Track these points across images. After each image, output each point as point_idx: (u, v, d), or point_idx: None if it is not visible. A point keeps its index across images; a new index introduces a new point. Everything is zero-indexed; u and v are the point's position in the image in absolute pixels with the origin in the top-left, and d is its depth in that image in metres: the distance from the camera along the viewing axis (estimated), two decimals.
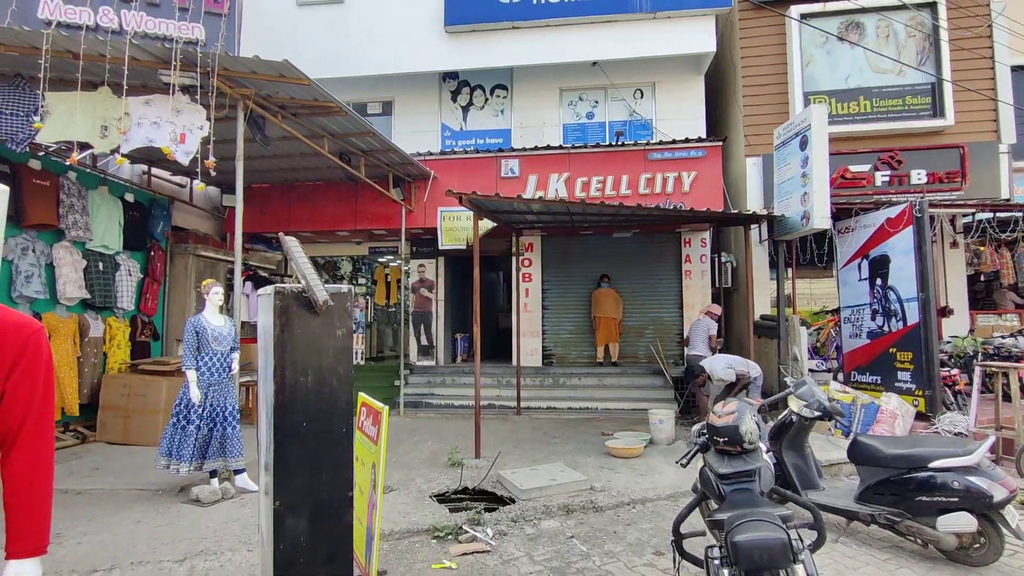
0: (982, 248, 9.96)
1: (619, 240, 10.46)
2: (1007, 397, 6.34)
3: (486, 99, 10.88)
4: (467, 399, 9.18)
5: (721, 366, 6.79)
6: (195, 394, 4.96)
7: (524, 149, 9.87)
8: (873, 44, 9.45)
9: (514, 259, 9.90)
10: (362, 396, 3.37)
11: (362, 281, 11.97)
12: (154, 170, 8.89)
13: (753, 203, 9.47)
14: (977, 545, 3.81)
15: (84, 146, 5.60)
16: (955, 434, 6.39)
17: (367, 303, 11.74)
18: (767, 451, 4.61)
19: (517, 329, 9.78)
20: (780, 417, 4.60)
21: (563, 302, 10.56)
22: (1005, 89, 9.31)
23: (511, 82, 10.81)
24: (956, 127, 9.18)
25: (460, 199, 5.97)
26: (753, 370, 6.80)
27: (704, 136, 9.81)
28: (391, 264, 11.99)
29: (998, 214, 9.00)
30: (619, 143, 9.78)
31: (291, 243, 2.32)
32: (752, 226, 8.66)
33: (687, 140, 9.46)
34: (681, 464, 3.22)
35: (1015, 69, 9.80)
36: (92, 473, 5.88)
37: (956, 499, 3.71)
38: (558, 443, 7.08)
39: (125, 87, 5.10)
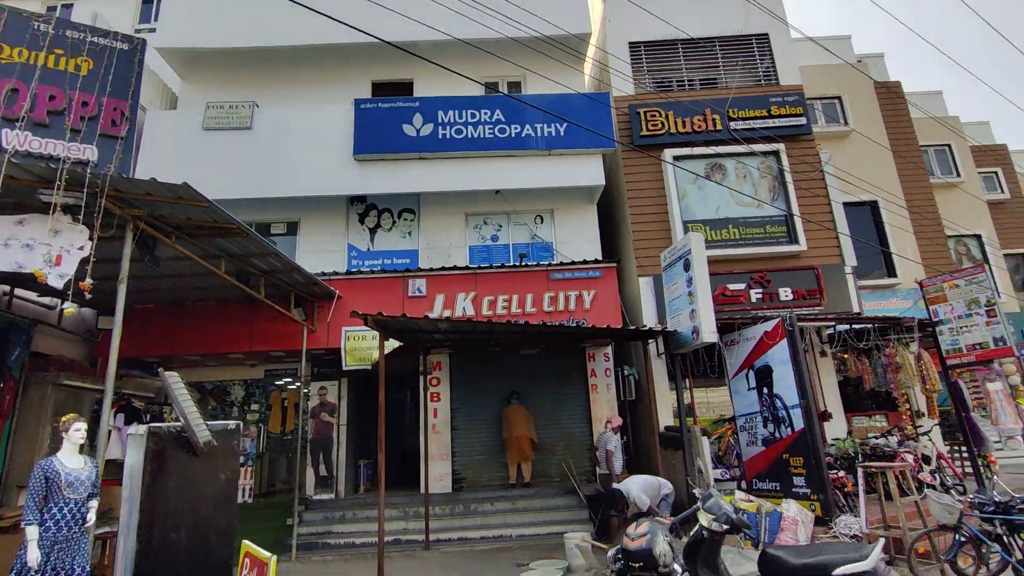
0: (846, 356, 11.14)
1: (527, 356, 10.61)
2: (890, 495, 6.80)
3: (394, 221, 11.17)
4: (371, 536, 8.39)
5: (637, 490, 6.73)
6: (33, 557, 4.11)
7: (431, 269, 10.07)
8: (734, 182, 10.97)
9: (421, 378, 9.67)
10: (246, 545, 2.96)
11: (255, 407, 11.04)
12: (17, 291, 8.03)
13: (648, 319, 10.10)
14: None
15: None
16: (851, 537, 6.65)
17: (259, 431, 10.77)
18: (683, 571, 4.53)
19: (425, 452, 9.31)
20: (692, 534, 4.58)
21: (473, 421, 10.30)
22: (841, 221, 11.02)
23: (418, 206, 11.24)
24: (809, 252, 10.60)
25: (366, 320, 5.87)
26: (665, 487, 6.82)
27: (600, 258, 10.57)
28: (289, 387, 11.26)
29: (853, 326, 10.22)
30: (522, 264, 10.27)
31: (171, 378, 2.12)
32: (650, 340, 9.15)
33: (585, 262, 10.13)
34: None
35: (847, 205, 11.71)
36: None
37: None
38: None
39: None
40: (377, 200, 11.20)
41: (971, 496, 6.28)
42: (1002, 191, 18.38)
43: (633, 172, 11.24)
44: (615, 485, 7.12)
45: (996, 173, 18.60)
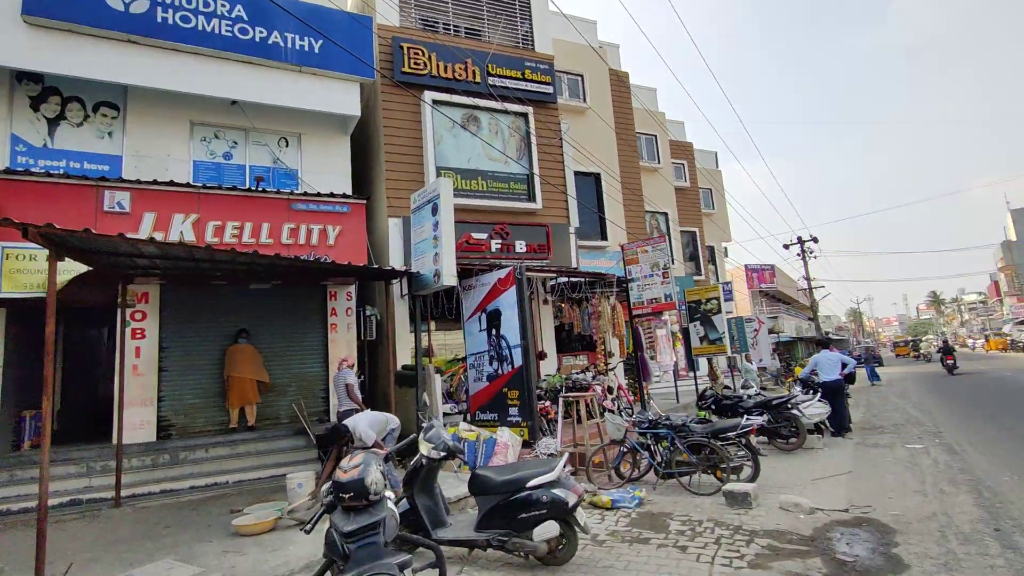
0: (563, 305, 12.88)
1: (259, 292, 9.68)
2: (580, 419, 8.19)
3: (87, 115, 8.85)
4: (36, 498, 6.85)
5: (364, 425, 6.77)
6: None
7: (139, 182, 8.33)
8: (487, 136, 11.48)
9: (119, 312, 8.08)
10: None
11: None
12: None
13: (395, 260, 10.10)
14: (561, 546, 4.65)
15: None
16: (548, 455, 7.84)
17: None
18: (399, 500, 4.75)
19: (121, 397, 7.87)
20: (412, 462, 4.82)
21: (188, 362, 9.07)
22: (571, 187, 12.49)
23: (125, 102, 9.09)
24: (543, 210, 11.79)
25: (25, 232, 4.54)
26: (392, 423, 7.02)
27: (349, 193, 10.08)
28: None
29: (571, 279, 11.83)
30: (260, 189, 9.21)
31: None
32: (393, 281, 9.18)
33: (332, 195, 9.55)
34: (305, 531, 2.99)
35: (577, 173, 13.30)
36: None
37: (544, 510, 4.47)
38: (172, 534, 5.87)
39: None
40: (61, 84, 8.70)
41: (634, 417, 7.95)
42: (685, 180, 23.08)
43: (391, 109, 10.89)
44: (345, 422, 7.08)
45: (683, 165, 23.24)
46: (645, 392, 11.37)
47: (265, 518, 5.63)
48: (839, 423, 10.17)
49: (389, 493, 3.15)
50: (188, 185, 8.64)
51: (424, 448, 4.65)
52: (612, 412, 10.10)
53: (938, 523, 5.18)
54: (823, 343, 11.69)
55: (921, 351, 47.67)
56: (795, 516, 5.57)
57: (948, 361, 25.20)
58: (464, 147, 11.27)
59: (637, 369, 11.83)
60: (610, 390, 11.32)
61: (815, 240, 30.16)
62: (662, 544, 4.99)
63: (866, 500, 6.02)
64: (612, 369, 12.30)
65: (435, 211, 8.34)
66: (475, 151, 11.34)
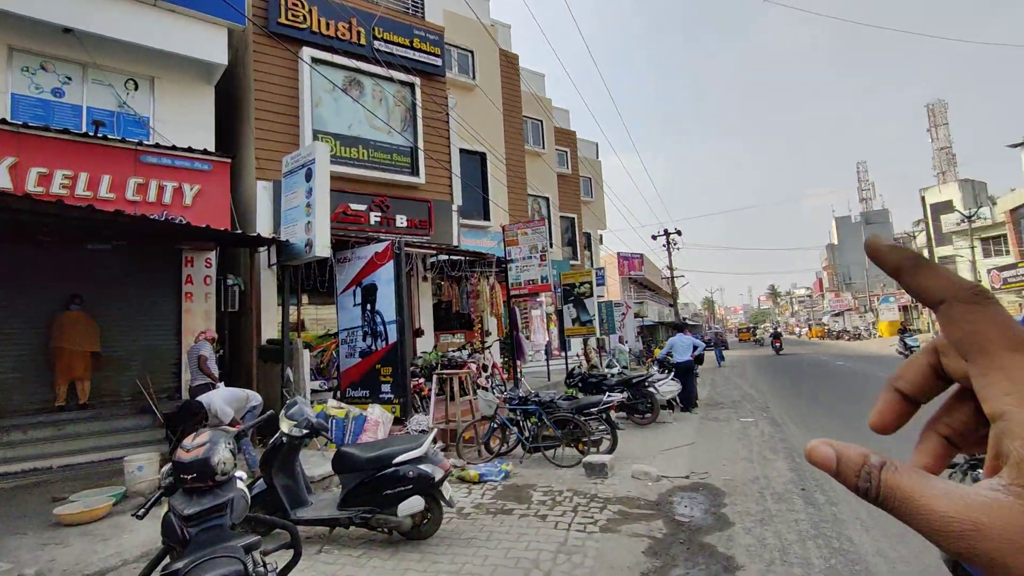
0: (443, 283, 12.83)
1: (98, 253, 8.51)
2: (454, 396, 8.26)
3: None
4: None
5: (220, 402, 6.29)
6: None
7: None
8: (370, 104, 10.99)
9: None
10: None
11: None
12: None
13: (263, 227, 9.39)
14: (426, 520, 4.68)
15: None
16: (420, 431, 7.83)
17: None
18: (256, 479, 4.50)
19: None
20: (272, 440, 4.57)
21: (4, 330, 7.79)
22: (456, 164, 12.39)
23: None
24: (426, 186, 11.58)
25: None
26: (253, 399, 6.62)
27: (212, 149, 9.15)
28: None
29: (451, 257, 11.79)
30: (100, 135, 8.05)
31: None
32: (260, 249, 8.55)
33: (191, 149, 8.61)
34: (137, 516, 2.72)
35: (463, 151, 13.21)
36: None
37: (411, 486, 4.47)
38: None
39: None
40: None
41: (506, 394, 8.18)
42: (567, 167, 23.88)
43: (264, 62, 10.01)
44: (199, 398, 6.53)
45: (566, 152, 24.01)
46: (519, 370, 11.74)
47: (95, 505, 5.04)
48: (688, 399, 11.24)
49: (240, 472, 2.96)
50: (4, 122, 7.31)
51: (285, 425, 4.43)
52: (485, 389, 10.30)
53: (759, 485, 5.94)
54: (679, 327, 12.81)
55: (758, 336, 54.38)
56: (644, 484, 6.09)
57: (776, 344, 31.47)
58: (345, 112, 10.69)
59: (512, 348, 12.15)
60: (485, 368, 11.53)
61: (679, 233, 32.80)
62: (524, 514, 5.22)
63: (704, 467, 6.74)
64: (488, 347, 12.53)
65: (309, 177, 7.85)
66: (357, 118, 10.81)
